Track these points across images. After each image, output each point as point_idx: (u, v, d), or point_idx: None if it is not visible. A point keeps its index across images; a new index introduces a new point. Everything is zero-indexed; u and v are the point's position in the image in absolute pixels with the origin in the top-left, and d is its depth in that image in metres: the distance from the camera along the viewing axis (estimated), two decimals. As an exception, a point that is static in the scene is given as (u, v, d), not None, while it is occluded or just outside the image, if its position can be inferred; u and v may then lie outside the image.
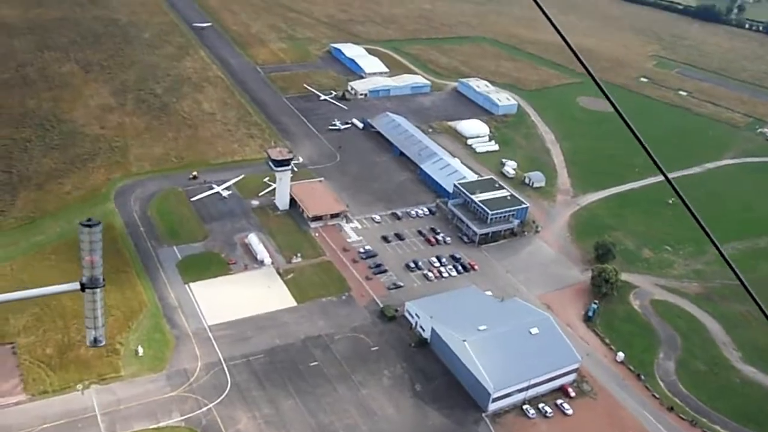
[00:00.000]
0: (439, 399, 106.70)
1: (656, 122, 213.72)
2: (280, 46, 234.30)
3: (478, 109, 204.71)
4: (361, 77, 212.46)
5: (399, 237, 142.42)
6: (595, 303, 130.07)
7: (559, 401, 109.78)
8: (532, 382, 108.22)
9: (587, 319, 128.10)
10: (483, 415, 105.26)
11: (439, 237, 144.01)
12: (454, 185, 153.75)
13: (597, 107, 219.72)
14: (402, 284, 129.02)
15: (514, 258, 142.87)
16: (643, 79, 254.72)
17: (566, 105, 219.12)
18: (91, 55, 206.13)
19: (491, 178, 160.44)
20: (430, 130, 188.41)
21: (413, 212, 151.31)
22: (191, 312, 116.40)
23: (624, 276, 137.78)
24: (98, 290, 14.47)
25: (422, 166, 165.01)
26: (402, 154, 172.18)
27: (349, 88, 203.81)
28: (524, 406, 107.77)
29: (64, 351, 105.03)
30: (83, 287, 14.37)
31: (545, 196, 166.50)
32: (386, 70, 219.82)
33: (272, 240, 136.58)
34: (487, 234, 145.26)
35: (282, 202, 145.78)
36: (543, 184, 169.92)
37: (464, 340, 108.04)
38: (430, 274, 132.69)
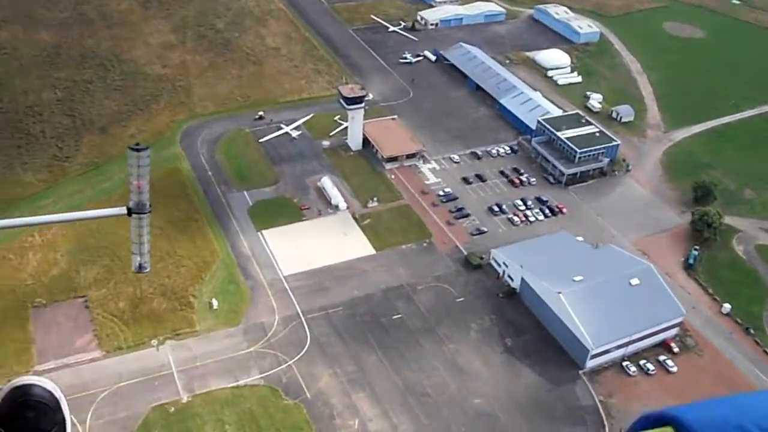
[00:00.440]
0: (531, 355, 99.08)
1: (753, 48, 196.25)
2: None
3: (558, 38, 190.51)
4: (431, 6, 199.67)
5: (480, 178, 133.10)
6: (695, 249, 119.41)
7: (661, 357, 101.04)
8: (633, 337, 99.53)
9: (687, 267, 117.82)
10: (580, 372, 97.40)
11: (523, 178, 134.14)
12: (538, 121, 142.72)
13: (685, 33, 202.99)
14: (486, 229, 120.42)
15: (605, 200, 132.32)
16: (735, 1, 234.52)
17: (652, 31, 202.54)
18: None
19: (577, 113, 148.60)
20: (507, 61, 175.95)
21: (494, 151, 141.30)
22: (265, 261, 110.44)
23: (725, 219, 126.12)
24: (145, 216, 13.93)
25: (501, 101, 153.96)
26: (478, 87, 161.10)
27: (419, 18, 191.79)
28: (624, 363, 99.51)
29: (137, 305, 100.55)
30: (130, 212, 13.86)
31: (634, 131, 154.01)
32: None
33: (346, 183, 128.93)
34: (575, 174, 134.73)
35: (355, 142, 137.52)
36: (632, 118, 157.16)
37: (559, 293, 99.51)
38: (516, 218, 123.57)
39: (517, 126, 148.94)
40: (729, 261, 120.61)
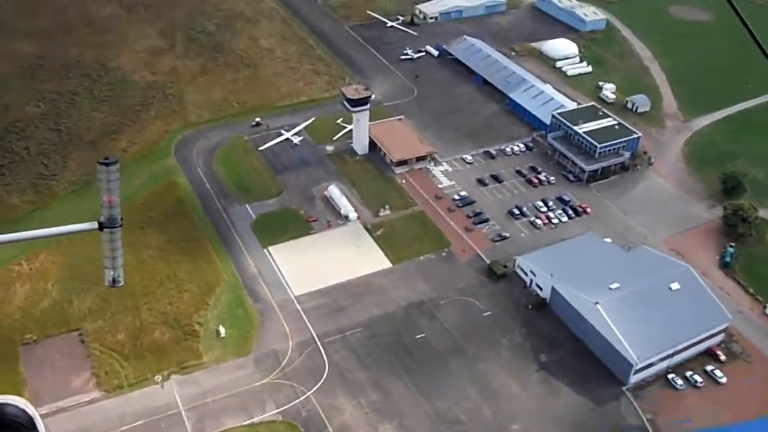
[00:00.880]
0: (569, 371, 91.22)
1: (763, 29, 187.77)
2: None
3: (563, 27, 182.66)
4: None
5: (496, 179, 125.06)
6: (731, 246, 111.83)
7: (708, 367, 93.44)
8: (678, 347, 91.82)
9: (724, 266, 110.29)
10: (623, 388, 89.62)
11: (542, 176, 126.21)
12: (552, 115, 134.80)
13: (691, 17, 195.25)
14: (507, 235, 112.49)
15: (629, 197, 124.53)
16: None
17: (658, 16, 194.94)
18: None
19: (593, 105, 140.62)
20: (513, 53, 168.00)
21: (508, 149, 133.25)
22: (274, 281, 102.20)
23: (759, 212, 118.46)
24: (116, 230, 14.04)
25: (512, 96, 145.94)
26: (486, 82, 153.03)
27: (417, 12, 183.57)
28: (669, 376, 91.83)
29: (137, 336, 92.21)
30: (101, 227, 14.01)
31: (652, 121, 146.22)
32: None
33: (354, 190, 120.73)
34: (596, 170, 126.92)
35: (360, 145, 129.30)
36: (648, 108, 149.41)
37: (596, 303, 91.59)
38: (538, 221, 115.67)
39: (530, 121, 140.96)
40: (767, 257, 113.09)
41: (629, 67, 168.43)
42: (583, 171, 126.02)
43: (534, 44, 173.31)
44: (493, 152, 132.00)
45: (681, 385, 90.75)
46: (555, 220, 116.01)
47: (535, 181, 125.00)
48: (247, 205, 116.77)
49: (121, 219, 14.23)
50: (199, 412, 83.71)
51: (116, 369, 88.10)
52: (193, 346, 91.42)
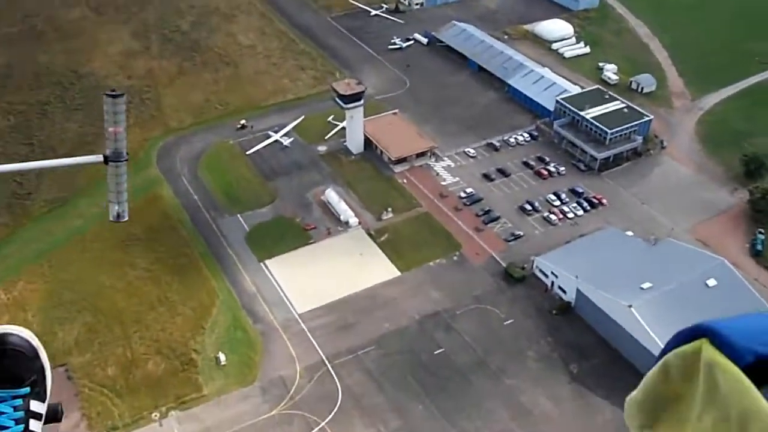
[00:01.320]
0: (603, 382, 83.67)
1: (759, 1, 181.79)
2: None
3: (553, 7, 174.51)
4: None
5: (503, 173, 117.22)
6: (760, 232, 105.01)
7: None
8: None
9: (755, 254, 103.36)
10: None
11: (551, 167, 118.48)
12: (557, 101, 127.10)
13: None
14: (521, 233, 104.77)
15: (645, 184, 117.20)
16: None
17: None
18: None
19: (598, 89, 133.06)
20: (506, 37, 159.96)
21: (511, 139, 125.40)
22: (274, 299, 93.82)
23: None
24: (122, 163, 13.29)
25: (510, 82, 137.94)
26: (481, 69, 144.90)
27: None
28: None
29: (129, 369, 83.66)
30: (106, 160, 13.40)
31: (659, 102, 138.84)
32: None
33: (353, 193, 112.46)
34: (607, 158, 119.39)
35: (355, 144, 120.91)
36: (654, 88, 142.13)
37: (629, 306, 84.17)
38: (552, 216, 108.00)
39: (532, 108, 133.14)
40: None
41: (628, 45, 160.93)
42: (595, 159, 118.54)
43: (527, 26, 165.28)
44: (497, 144, 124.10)
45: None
46: (570, 215, 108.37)
47: (545, 172, 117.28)
48: (238, 216, 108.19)
49: (127, 153, 13.42)
50: (203, 453, 75.55)
51: (108, 408, 79.60)
52: (191, 377, 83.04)
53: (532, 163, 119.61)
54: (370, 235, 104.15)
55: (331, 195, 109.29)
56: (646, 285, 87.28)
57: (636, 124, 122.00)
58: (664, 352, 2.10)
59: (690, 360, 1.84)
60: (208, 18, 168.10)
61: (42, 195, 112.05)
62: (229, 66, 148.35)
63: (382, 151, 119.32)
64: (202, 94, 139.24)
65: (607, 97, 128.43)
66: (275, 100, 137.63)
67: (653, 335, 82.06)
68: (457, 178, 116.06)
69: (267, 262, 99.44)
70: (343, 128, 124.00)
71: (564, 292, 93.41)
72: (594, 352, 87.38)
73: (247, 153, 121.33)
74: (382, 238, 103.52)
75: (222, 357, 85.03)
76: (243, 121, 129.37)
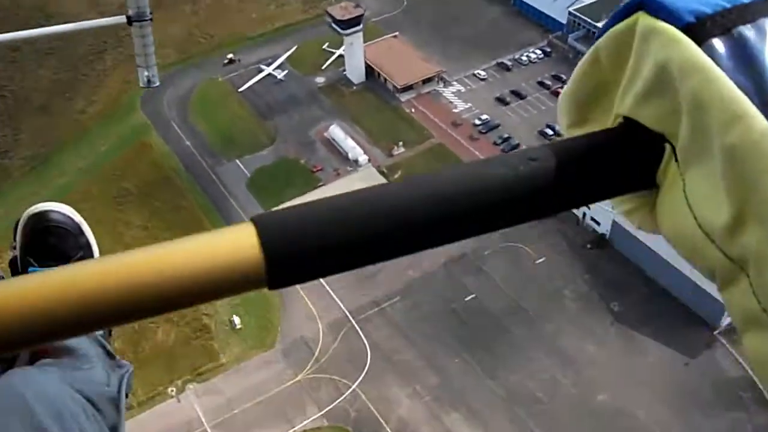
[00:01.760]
0: (648, 320, 77.89)
1: None
2: None
3: None
4: None
5: (518, 95, 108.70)
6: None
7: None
8: None
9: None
10: (715, 333, 76.87)
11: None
12: (570, 13, 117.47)
13: None
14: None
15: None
16: None
17: None
18: None
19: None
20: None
21: (524, 57, 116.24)
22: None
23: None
24: (146, 23, 12.61)
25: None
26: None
27: None
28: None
29: (137, 342, 76.98)
30: (129, 20, 12.56)
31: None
32: None
33: (359, 127, 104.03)
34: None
35: (357, 73, 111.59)
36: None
37: (674, 236, 77.51)
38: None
39: (542, 22, 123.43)
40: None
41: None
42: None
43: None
44: (508, 63, 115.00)
45: (777, 319, 78.28)
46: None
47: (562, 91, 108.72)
48: (237, 161, 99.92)
49: (151, 12, 12.51)
50: (229, 427, 69.87)
51: (119, 386, 73.28)
52: (206, 345, 76.75)
53: (548, 82, 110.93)
54: (382, 173, 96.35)
55: (336, 132, 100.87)
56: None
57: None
58: (596, 38, 1.75)
59: (623, 38, 1.55)
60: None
61: (21, 152, 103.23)
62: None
63: (386, 79, 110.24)
64: (184, 27, 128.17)
65: (622, 3, 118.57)
66: (263, 29, 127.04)
67: (702, 267, 75.77)
68: (469, 104, 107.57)
69: (274, 210, 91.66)
70: (341, 56, 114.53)
71: (597, 224, 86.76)
72: (635, 287, 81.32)
73: (239, 90, 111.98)
74: (396, 176, 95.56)
75: (237, 320, 78.51)
76: (230, 55, 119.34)
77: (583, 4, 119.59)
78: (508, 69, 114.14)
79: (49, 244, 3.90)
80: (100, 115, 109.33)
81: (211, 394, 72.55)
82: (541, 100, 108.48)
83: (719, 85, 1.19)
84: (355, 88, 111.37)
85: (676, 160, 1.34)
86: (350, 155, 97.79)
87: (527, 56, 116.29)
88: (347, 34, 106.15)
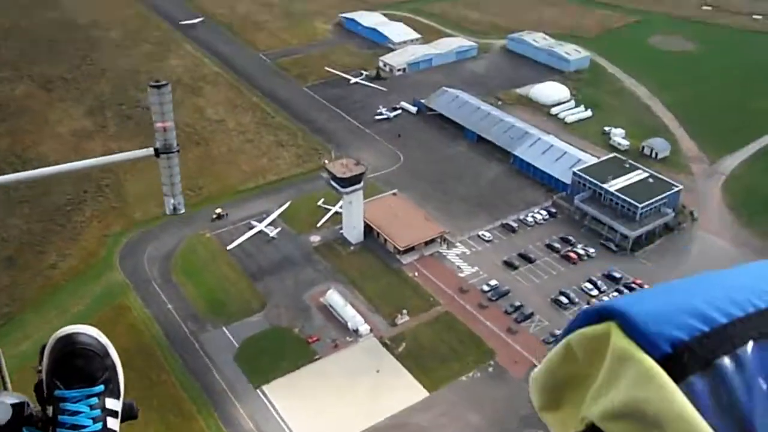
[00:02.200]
0: None
1: (755, 55, 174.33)
2: (279, 25, 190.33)
3: (543, 69, 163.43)
4: (391, 49, 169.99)
5: (526, 258, 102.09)
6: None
7: None
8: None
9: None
10: None
11: (579, 250, 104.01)
12: (574, 173, 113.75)
13: (675, 47, 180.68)
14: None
15: (686, 265, 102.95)
16: (706, 7, 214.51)
17: (641, 49, 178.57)
18: (50, 69, 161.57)
19: (615, 157, 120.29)
20: (499, 102, 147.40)
21: (529, 218, 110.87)
22: (280, 439, 75.61)
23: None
24: (173, 155, 13.41)
25: (516, 153, 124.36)
26: (480, 139, 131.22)
27: (382, 64, 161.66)
28: None
29: None
30: (157, 153, 13.56)
31: (677, 168, 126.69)
32: (418, 36, 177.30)
33: (358, 293, 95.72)
34: (640, 236, 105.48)
35: (355, 232, 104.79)
36: (668, 153, 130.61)
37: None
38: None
39: (544, 181, 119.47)
40: None
41: (629, 107, 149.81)
42: (626, 238, 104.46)
43: (519, 90, 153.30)
44: (513, 224, 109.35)
45: None
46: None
47: (574, 256, 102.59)
48: (224, 328, 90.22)
49: (178, 145, 13.08)
50: None
51: None
52: None
53: (557, 245, 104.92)
54: (385, 344, 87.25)
55: (334, 297, 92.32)
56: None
57: (665, 196, 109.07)
58: (567, 330, 1.88)
59: (596, 343, 1.62)
60: (172, 90, 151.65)
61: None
62: (199, 145, 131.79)
63: (385, 240, 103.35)
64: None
65: (627, 166, 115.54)
66: (255, 183, 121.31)
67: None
68: (476, 268, 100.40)
69: (265, 388, 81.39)
70: (337, 213, 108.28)
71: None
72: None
73: (228, 248, 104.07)
74: (400, 349, 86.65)
75: None
76: (219, 210, 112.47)
77: (586, 165, 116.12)
78: (513, 230, 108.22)
79: (76, 366, 3.92)
80: (73, 271, 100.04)
81: None
82: (551, 264, 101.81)
83: None
84: (352, 248, 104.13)
85: None
86: (350, 324, 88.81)
87: (532, 217, 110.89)
88: (347, 193, 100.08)
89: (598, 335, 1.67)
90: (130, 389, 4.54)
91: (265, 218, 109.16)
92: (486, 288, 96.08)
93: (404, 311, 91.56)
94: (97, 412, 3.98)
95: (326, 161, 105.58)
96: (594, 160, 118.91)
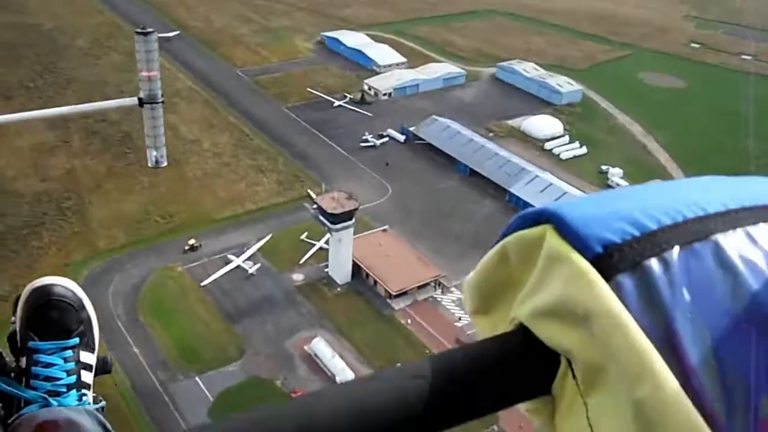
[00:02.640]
0: None
1: (741, 95, 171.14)
2: (257, 41, 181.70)
3: (534, 100, 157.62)
4: (375, 72, 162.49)
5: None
6: None
7: None
8: None
9: None
10: None
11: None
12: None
13: (666, 83, 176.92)
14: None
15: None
16: (694, 45, 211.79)
17: (631, 84, 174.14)
18: (10, 75, 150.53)
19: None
20: (491, 134, 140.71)
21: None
22: None
23: None
24: (157, 106, 13.11)
25: (513, 190, 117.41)
26: (473, 172, 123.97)
27: (367, 88, 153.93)
28: None
29: None
30: (141, 102, 13.63)
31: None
32: (403, 60, 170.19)
33: (346, 341, 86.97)
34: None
35: (342, 272, 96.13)
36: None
37: None
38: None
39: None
40: None
41: (624, 145, 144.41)
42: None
43: (511, 122, 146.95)
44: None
45: None
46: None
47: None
48: (197, 378, 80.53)
49: (162, 95, 12.53)
50: None
51: None
52: None
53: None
54: (377, 403, 78.33)
55: (320, 347, 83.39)
56: None
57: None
58: (504, 234, 1.87)
59: (531, 245, 1.64)
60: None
61: None
62: (171, 166, 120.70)
63: (375, 281, 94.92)
64: (139, 203, 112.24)
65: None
66: (232, 211, 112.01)
67: None
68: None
69: (243, 452, 71.79)
70: (321, 249, 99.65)
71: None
72: None
73: (202, 284, 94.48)
74: (394, 409, 77.86)
75: None
76: (192, 241, 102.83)
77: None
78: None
79: (51, 318, 3.90)
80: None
81: None
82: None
83: (627, 334, 1.23)
84: (339, 289, 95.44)
85: (574, 377, 1.38)
86: (338, 378, 79.57)
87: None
88: (336, 230, 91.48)
89: (533, 238, 1.69)
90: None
91: (243, 252, 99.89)
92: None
93: (399, 365, 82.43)
94: (72, 364, 3.89)
95: (314, 194, 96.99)
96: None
